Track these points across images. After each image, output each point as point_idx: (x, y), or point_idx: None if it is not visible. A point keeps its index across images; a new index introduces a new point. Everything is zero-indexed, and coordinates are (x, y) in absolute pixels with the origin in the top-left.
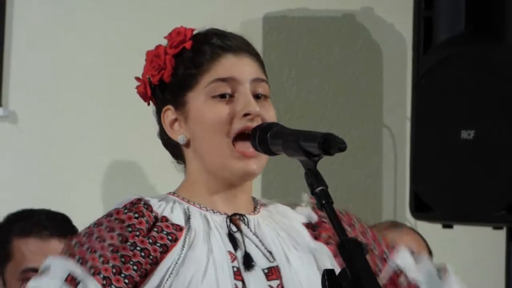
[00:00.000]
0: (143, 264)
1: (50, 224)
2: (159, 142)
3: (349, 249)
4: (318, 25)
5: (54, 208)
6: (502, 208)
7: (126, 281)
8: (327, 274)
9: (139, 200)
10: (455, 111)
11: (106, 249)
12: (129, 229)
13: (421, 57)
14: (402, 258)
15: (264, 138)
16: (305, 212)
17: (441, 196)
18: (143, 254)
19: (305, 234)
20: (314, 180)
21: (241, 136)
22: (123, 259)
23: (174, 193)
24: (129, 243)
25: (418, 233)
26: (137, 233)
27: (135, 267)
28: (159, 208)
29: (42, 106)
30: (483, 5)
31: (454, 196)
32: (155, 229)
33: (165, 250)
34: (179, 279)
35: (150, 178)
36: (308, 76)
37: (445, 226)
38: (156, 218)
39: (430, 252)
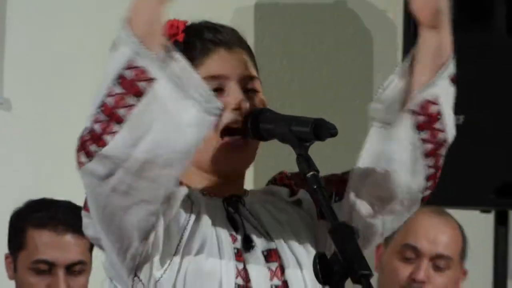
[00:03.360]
0: None
1: (67, 218)
2: None
3: (341, 234)
4: (309, 12)
5: (48, 196)
6: (491, 192)
7: None
8: (319, 258)
9: None
10: None
11: None
12: None
13: (412, 44)
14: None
15: (256, 123)
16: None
17: None
18: None
19: (285, 192)
20: (306, 165)
21: (230, 131)
22: None
23: None
24: None
25: (459, 226)
26: None
27: None
28: None
29: (36, 93)
30: None
31: (442, 180)
32: None
33: None
34: (189, 250)
35: None
36: (300, 64)
37: None
38: None
39: (464, 249)
